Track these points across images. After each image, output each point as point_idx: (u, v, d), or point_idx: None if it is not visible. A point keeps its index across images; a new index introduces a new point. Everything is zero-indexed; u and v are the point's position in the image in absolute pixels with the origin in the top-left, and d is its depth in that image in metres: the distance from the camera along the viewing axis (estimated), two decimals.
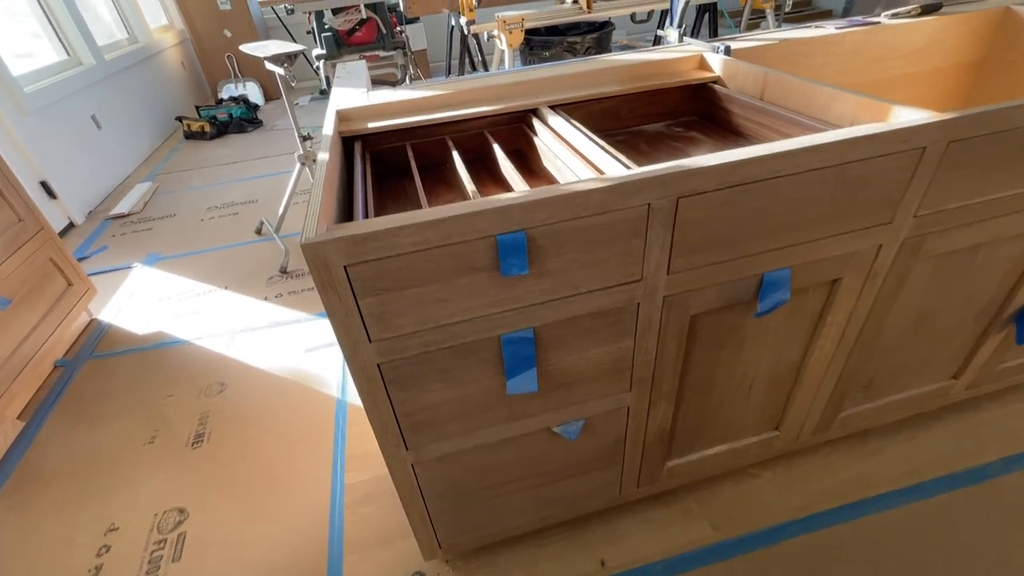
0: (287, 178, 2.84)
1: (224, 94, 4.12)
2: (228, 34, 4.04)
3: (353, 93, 1.04)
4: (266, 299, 1.85)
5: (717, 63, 1.04)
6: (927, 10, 1.17)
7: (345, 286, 0.56)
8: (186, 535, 1.12)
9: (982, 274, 0.87)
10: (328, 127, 0.86)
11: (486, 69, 3.32)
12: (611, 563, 0.99)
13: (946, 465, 1.10)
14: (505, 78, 1.03)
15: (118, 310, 1.88)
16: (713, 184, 0.60)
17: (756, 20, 2.63)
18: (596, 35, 2.59)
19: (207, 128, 3.55)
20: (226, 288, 1.94)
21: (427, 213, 0.54)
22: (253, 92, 4.19)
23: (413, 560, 1.03)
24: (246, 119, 3.68)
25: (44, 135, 2.49)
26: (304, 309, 1.78)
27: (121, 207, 2.65)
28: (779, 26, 2.04)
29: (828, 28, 1.16)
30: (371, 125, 0.92)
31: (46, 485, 1.27)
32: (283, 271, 1.99)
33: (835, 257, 0.74)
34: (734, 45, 1.08)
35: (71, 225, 2.55)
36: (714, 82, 1.04)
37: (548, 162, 0.86)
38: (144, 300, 1.92)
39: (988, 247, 0.83)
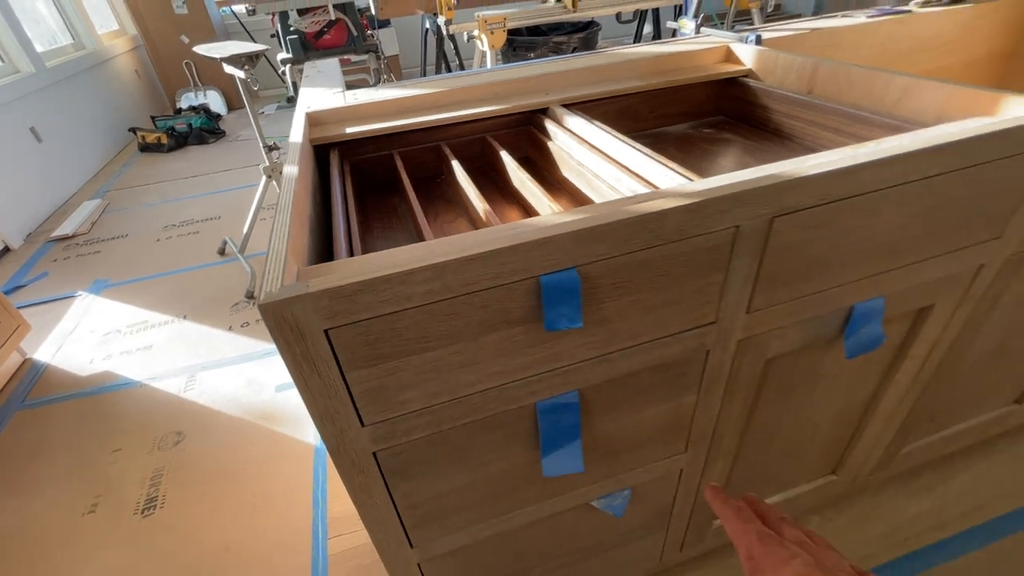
0: (252, 192, 2.62)
1: (183, 103, 3.85)
2: (186, 40, 3.78)
3: (326, 93, 0.88)
4: (231, 329, 1.64)
5: (748, 54, 0.91)
6: None
7: (328, 358, 0.39)
8: None
9: None
10: (296, 133, 0.69)
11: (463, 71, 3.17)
12: None
13: (1011, 499, 0.98)
14: (505, 74, 0.87)
15: (57, 348, 1.64)
16: (816, 198, 0.46)
17: (739, 20, 2.55)
18: (582, 35, 2.47)
19: (164, 140, 3.29)
20: (185, 318, 1.72)
21: (442, 249, 0.38)
22: (215, 101, 3.93)
23: None
24: (207, 129, 3.43)
25: None
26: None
27: (65, 228, 2.39)
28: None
29: (859, 17, 1.05)
30: (349, 130, 0.75)
31: None
32: (250, 296, 1.78)
33: (931, 282, 0.61)
34: (764, 35, 0.95)
35: (6, 249, 2.28)
36: (745, 76, 0.91)
37: (570, 171, 0.71)
38: (88, 335, 1.69)
39: None
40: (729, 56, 0.95)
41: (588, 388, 0.51)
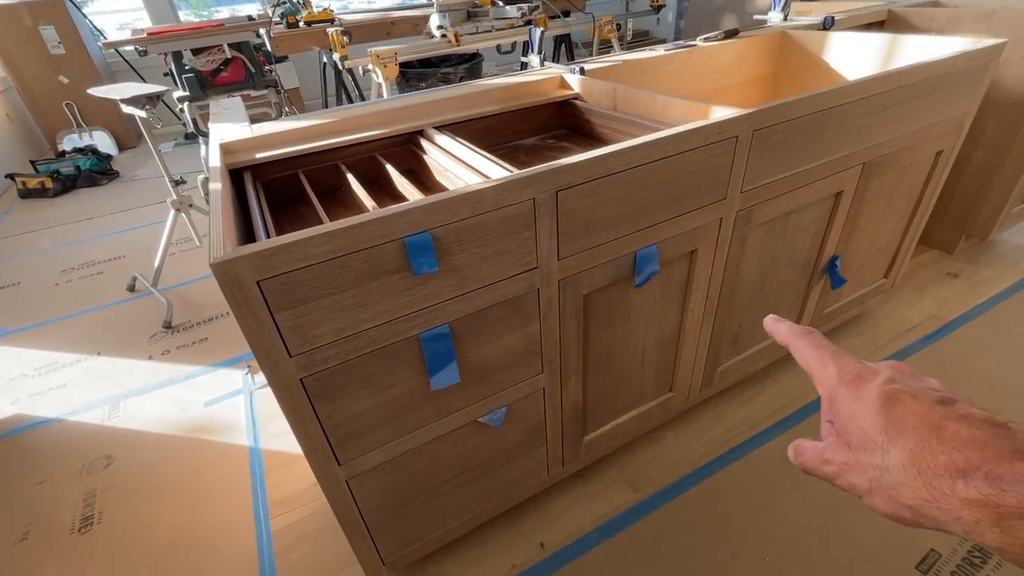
0: (158, 230, 2.60)
1: (66, 146, 3.67)
2: (64, 80, 3.63)
3: (234, 127, 1.04)
4: (151, 358, 1.69)
5: (575, 82, 1.19)
6: (728, 35, 1.44)
7: (260, 302, 0.57)
8: None
9: (796, 236, 1.10)
10: (215, 159, 0.85)
11: (364, 101, 3.34)
12: (550, 543, 1.06)
13: (803, 398, 1.32)
14: (389, 104, 1.09)
15: None
16: (582, 177, 0.72)
17: (604, 48, 2.97)
18: (467, 65, 2.75)
19: (49, 184, 3.14)
20: (98, 354, 1.73)
21: (336, 223, 0.58)
22: (103, 141, 3.78)
23: None
24: (97, 171, 3.31)
25: None
26: (197, 362, 1.65)
27: None
28: (623, 52, 2.34)
29: (659, 50, 1.38)
30: (259, 155, 0.93)
31: None
32: (167, 326, 1.82)
33: (689, 231, 0.90)
34: (587, 67, 1.24)
35: None
36: (575, 98, 1.19)
37: (440, 176, 0.94)
38: None
39: (796, 214, 1.05)
40: (563, 84, 1.23)
41: (455, 321, 0.73)
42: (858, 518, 1.04)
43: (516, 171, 0.71)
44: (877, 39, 1.26)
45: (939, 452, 0.23)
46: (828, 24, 1.46)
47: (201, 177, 2.93)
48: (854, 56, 1.32)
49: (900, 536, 1.01)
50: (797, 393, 1.34)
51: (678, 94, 0.97)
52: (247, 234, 0.76)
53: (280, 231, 0.86)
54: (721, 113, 0.85)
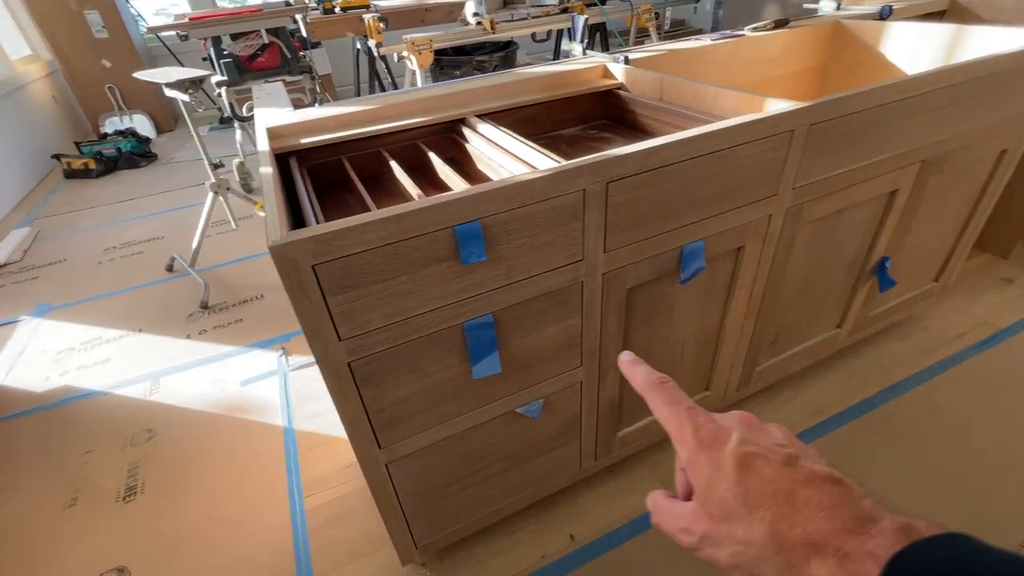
0: (195, 212, 2.67)
1: (108, 128, 3.78)
2: (107, 64, 3.73)
3: (279, 112, 1.05)
4: (188, 337, 1.74)
5: (619, 71, 1.17)
6: (778, 24, 1.39)
7: (314, 286, 0.58)
8: None
9: (846, 235, 1.06)
10: (262, 143, 0.86)
11: (396, 89, 3.36)
12: (580, 536, 1.06)
13: (842, 402, 1.29)
14: (431, 91, 1.08)
15: (8, 370, 1.67)
16: (633, 168, 0.70)
17: (641, 38, 2.91)
18: (502, 54, 2.73)
19: (92, 165, 3.24)
20: (140, 331, 1.79)
21: (390, 210, 0.58)
22: (142, 124, 3.88)
23: (388, 570, 1.03)
24: (138, 153, 3.40)
25: None
26: (233, 342, 1.69)
27: None
28: (660, 42, 2.29)
29: (705, 40, 1.34)
30: (304, 140, 0.94)
31: None
32: (204, 306, 1.87)
33: (737, 227, 0.87)
34: (631, 55, 1.22)
35: None
36: (619, 88, 1.17)
37: (483, 165, 0.93)
38: (40, 354, 1.72)
39: (848, 212, 1.01)
40: (606, 73, 1.21)
41: (500, 311, 0.73)
42: None
43: (564, 161, 0.70)
44: (941, 30, 1.20)
45: (795, 524, 0.23)
46: (886, 13, 1.40)
47: (236, 161, 2.99)
48: (913, 48, 1.26)
49: None
50: (835, 397, 1.30)
51: (727, 85, 0.94)
52: (294, 219, 0.77)
53: (326, 217, 0.87)
54: (777, 106, 0.82)
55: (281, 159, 0.95)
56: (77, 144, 3.41)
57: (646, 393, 0.30)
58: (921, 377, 1.33)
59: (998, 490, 1.06)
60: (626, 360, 0.31)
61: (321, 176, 0.99)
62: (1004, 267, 1.67)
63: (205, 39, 2.65)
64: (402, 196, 0.90)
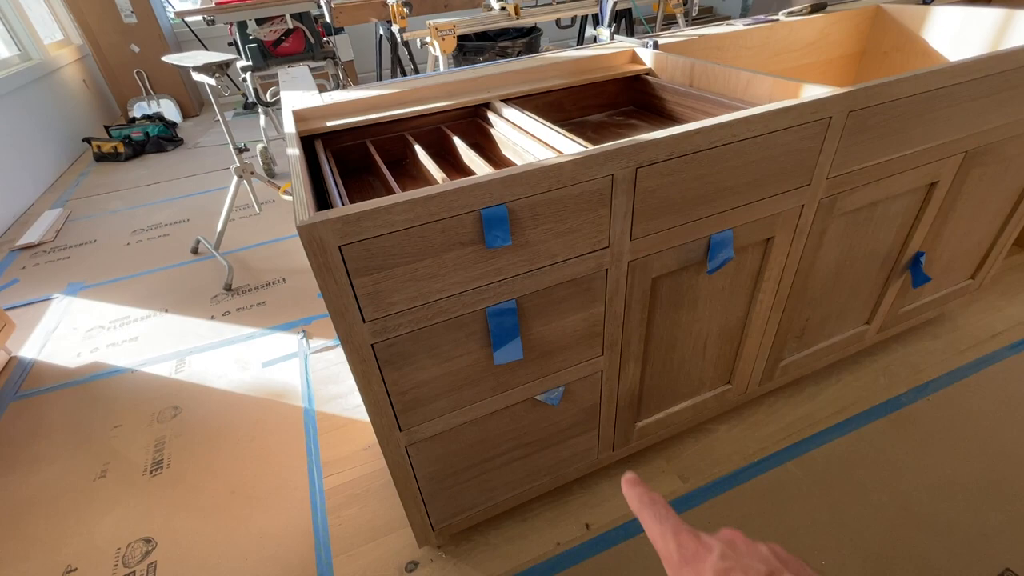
0: (219, 196, 2.72)
1: (136, 112, 3.85)
2: (136, 49, 3.79)
3: (304, 95, 1.05)
4: (212, 318, 1.77)
5: (648, 56, 1.14)
6: (815, 9, 1.34)
7: (340, 267, 0.58)
8: (157, 564, 1.07)
9: (881, 228, 1.02)
10: (288, 126, 0.86)
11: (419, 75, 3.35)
12: (595, 525, 1.06)
13: (868, 400, 1.26)
14: (454, 76, 1.07)
15: (41, 345, 1.73)
16: (665, 154, 0.68)
17: (668, 24, 2.84)
18: (526, 40, 2.70)
19: (121, 149, 3.31)
20: (166, 311, 1.83)
21: (416, 192, 0.58)
22: (169, 109, 3.95)
23: (405, 552, 1.04)
24: (165, 137, 3.46)
25: None
26: (256, 324, 1.72)
27: (29, 237, 2.42)
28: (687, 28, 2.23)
29: (737, 25, 1.30)
30: (330, 123, 0.94)
31: None
32: (228, 289, 1.91)
33: (767, 217, 0.85)
34: (660, 40, 1.19)
35: None
36: (647, 74, 1.14)
37: (508, 150, 0.92)
38: (71, 331, 1.78)
39: (883, 204, 0.98)
40: (634, 58, 1.18)
41: (522, 297, 0.72)
42: (925, 529, 0.99)
43: (592, 146, 0.69)
44: (988, 15, 1.14)
45: None
46: None
47: (260, 146, 3.01)
48: (958, 35, 1.21)
49: (972, 551, 0.95)
50: (861, 395, 1.27)
51: (762, 71, 0.91)
52: (319, 201, 0.77)
53: (351, 200, 0.87)
54: (813, 92, 0.79)
55: (307, 142, 0.95)
56: (107, 128, 3.48)
57: (639, 511, 0.31)
58: (952, 377, 1.29)
59: None
60: (628, 479, 0.34)
61: (346, 159, 0.99)
62: None
63: (231, 24, 2.67)
64: (426, 180, 0.89)
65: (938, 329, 1.41)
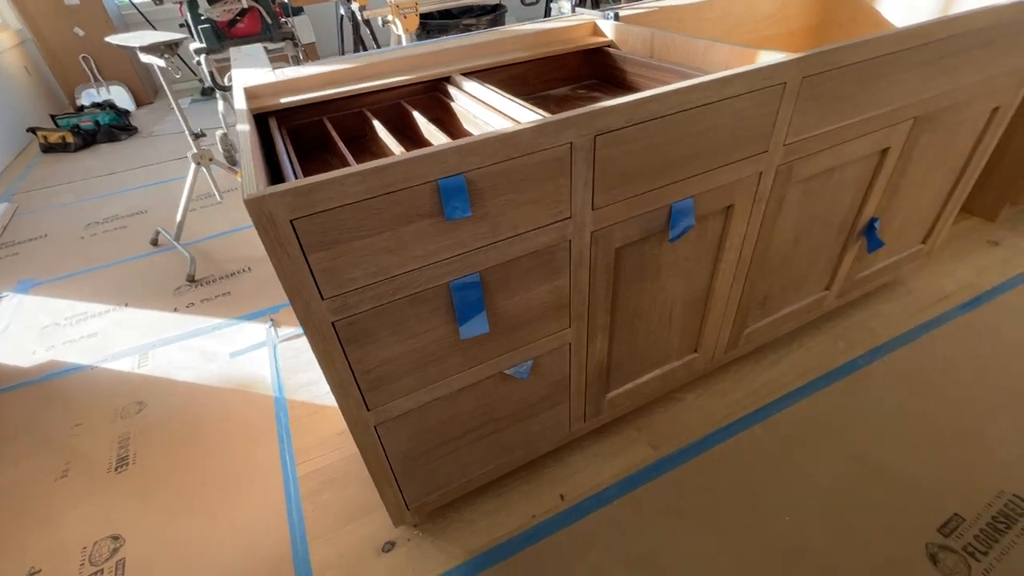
0: (178, 185, 2.62)
1: (84, 100, 3.66)
2: (80, 32, 3.58)
3: (257, 72, 1.01)
4: (176, 310, 1.72)
5: (609, 28, 1.13)
6: None
7: (293, 241, 0.56)
8: (125, 561, 1.04)
9: (837, 195, 1.05)
10: (239, 103, 0.83)
11: None
12: (570, 495, 1.08)
13: (828, 363, 1.30)
14: (414, 50, 1.05)
15: None
16: (621, 121, 0.68)
17: None
18: (490, 17, 2.65)
19: (70, 139, 3.15)
20: (126, 305, 1.77)
21: (370, 163, 0.57)
22: (120, 97, 3.76)
23: (381, 532, 1.04)
24: (117, 126, 3.30)
25: None
26: (221, 315, 1.68)
27: None
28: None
29: None
30: (284, 100, 0.90)
31: None
32: (191, 280, 1.85)
33: (727, 185, 0.86)
34: (622, 12, 1.18)
35: None
36: (608, 46, 1.13)
37: (468, 123, 0.91)
38: (25, 330, 1.70)
39: (839, 171, 1.00)
40: (596, 30, 1.17)
41: (486, 270, 0.72)
42: (881, 482, 1.04)
43: (550, 115, 0.68)
44: None
45: None
46: None
47: (219, 132, 2.90)
48: (911, 4, 1.23)
49: (923, 500, 1.00)
50: (821, 359, 1.31)
51: (720, 39, 0.91)
52: (275, 180, 0.75)
53: (308, 176, 0.84)
54: (768, 58, 0.80)
55: (261, 120, 0.92)
56: (53, 117, 3.30)
57: None
58: (906, 338, 1.35)
59: (975, 444, 1.09)
60: None
61: (302, 137, 0.97)
62: (991, 230, 1.68)
63: (180, 3, 2.54)
64: (385, 155, 0.87)
65: (892, 293, 1.47)
